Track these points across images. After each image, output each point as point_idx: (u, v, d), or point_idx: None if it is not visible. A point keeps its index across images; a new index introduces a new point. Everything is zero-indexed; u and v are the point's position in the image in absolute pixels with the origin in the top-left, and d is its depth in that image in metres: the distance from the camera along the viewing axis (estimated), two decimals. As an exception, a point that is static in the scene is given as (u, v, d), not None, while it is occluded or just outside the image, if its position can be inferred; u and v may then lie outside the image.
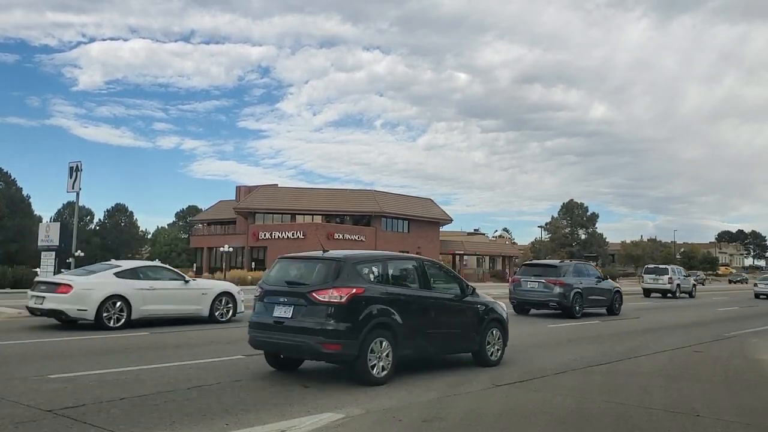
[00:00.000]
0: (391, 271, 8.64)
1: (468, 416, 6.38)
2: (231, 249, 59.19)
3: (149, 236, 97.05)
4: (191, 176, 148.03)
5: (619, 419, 6.35)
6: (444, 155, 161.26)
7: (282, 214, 66.82)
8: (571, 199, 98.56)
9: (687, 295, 34.74)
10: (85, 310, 13.08)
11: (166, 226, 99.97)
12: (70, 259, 19.08)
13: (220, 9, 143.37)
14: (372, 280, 8.23)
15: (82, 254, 50.44)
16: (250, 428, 5.65)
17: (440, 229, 77.44)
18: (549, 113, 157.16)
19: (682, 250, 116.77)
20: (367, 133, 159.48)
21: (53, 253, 17.78)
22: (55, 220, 62.32)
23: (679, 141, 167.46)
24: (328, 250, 8.51)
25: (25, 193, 75.21)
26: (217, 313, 15.11)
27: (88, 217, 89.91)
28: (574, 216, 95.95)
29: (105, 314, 13.18)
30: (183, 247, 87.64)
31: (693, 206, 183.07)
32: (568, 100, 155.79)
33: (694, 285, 37.53)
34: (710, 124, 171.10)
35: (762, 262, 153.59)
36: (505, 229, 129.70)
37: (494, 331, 9.63)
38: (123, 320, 13.39)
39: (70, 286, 13.21)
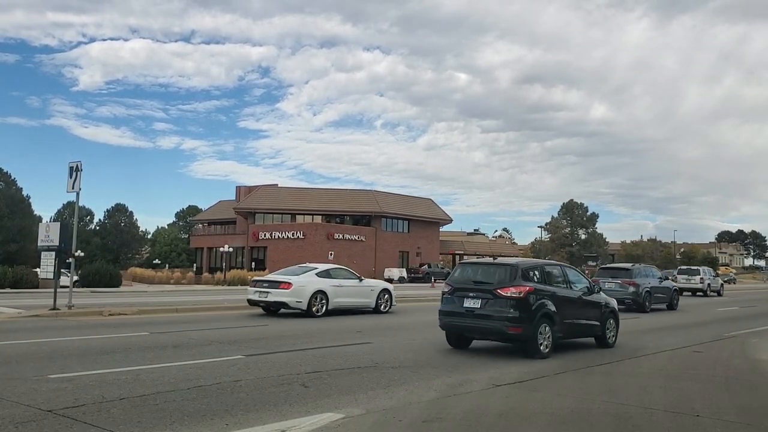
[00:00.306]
0: (547, 274, 11.13)
1: (468, 416, 6.38)
2: (231, 249, 59.20)
3: (149, 236, 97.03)
4: (191, 176, 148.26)
5: (619, 419, 6.35)
6: (444, 155, 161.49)
7: (282, 214, 66.81)
8: (571, 199, 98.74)
9: (716, 294, 37.56)
10: (301, 302, 16.89)
11: (166, 226, 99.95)
12: (70, 260, 19.06)
13: (220, 9, 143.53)
14: (536, 280, 10.67)
15: (83, 254, 50.51)
16: (250, 428, 5.65)
17: (440, 229, 77.44)
18: (549, 113, 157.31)
19: (682, 250, 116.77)
20: (367, 133, 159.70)
21: (53, 253, 17.73)
22: (55, 220, 62.25)
23: (679, 141, 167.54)
24: (496, 257, 10.81)
25: (25, 193, 75.29)
26: (381, 306, 19.06)
27: (88, 217, 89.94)
28: (574, 216, 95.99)
29: (313, 305, 16.97)
30: (183, 247, 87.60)
31: (693, 206, 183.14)
32: (569, 101, 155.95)
33: (722, 284, 41.00)
34: (710, 124, 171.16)
35: (762, 263, 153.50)
36: (505, 229, 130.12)
37: (611, 321, 12.28)
38: (324, 310, 17.21)
39: (290, 284, 17.05)
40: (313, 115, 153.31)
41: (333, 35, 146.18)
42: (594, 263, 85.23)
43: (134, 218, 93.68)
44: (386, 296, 19.32)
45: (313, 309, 16.95)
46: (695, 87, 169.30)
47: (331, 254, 57.72)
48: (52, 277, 18.43)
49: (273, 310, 17.64)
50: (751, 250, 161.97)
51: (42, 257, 18.75)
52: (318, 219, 66.12)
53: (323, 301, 17.21)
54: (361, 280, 19.01)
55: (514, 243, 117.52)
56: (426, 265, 65.23)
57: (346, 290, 18.23)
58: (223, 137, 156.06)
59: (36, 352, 10.05)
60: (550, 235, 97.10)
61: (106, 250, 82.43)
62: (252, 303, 17.83)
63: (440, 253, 76.49)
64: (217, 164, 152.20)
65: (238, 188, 72.40)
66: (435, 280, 51.19)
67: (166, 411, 6.18)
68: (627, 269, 23.66)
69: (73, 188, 17.67)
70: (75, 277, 25.73)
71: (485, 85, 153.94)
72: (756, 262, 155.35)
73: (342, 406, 6.55)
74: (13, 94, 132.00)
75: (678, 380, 8.87)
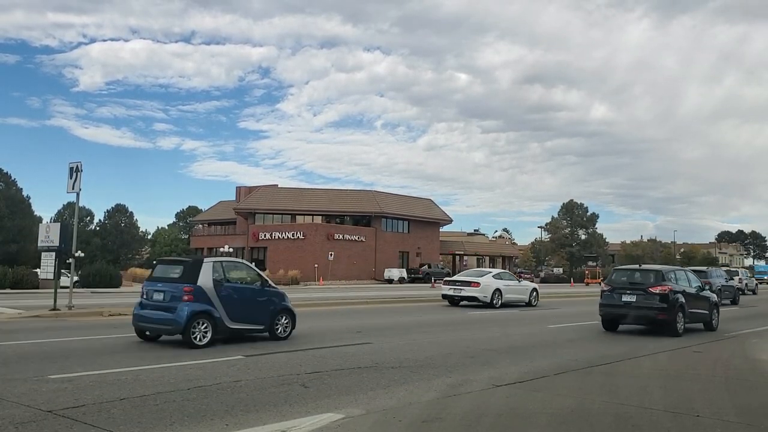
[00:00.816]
0: (677, 277, 15.18)
1: (468, 416, 6.38)
2: (231, 249, 59.20)
3: (149, 237, 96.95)
4: (191, 177, 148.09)
5: (620, 419, 6.35)
6: (444, 156, 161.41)
7: (282, 214, 66.81)
8: (571, 200, 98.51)
9: (751, 292, 42.09)
10: (486, 297, 22.82)
11: (167, 227, 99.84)
12: (70, 260, 19.06)
13: (220, 10, 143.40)
14: (673, 281, 14.75)
15: (83, 255, 50.44)
16: (250, 428, 5.65)
17: (440, 230, 77.43)
18: (549, 114, 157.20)
19: (682, 250, 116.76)
20: (367, 133, 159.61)
21: (53, 253, 17.74)
22: (55, 221, 62.25)
23: (679, 141, 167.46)
24: (642, 264, 16.74)
25: (25, 193, 75.12)
26: (533, 301, 24.77)
27: (88, 218, 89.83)
28: (574, 216, 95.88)
29: (494, 300, 22.93)
30: (183, 247, 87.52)
31: (693, 206, 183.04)
32: (569, 101, 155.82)
33: (757, 284, 46.74)
34: (710, 124, 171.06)
35: (762, 263, 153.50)
36: (505, 230, 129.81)
37: (715, 311, 16.22)
38: (499, 303, 23.04)
39: (478, 283, 23.11)
40: (313, 116, 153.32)
41: (333, 35, 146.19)
42: (594, 263, 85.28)
43: (134, 219, 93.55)
44: (534, 293, 25.12)
45: (494, 302, 22.87)
46: (695, 87, 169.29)
47: (330, 255, 57.69)
48: (52, 278, 18.45)
49: (456, 302, 23.79)
50: (751, 251, 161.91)
51: (42, 258, 18.76)
52: (318, 219, 66.13)
53: (499, 297, 23.16)
54: (519, 281, 26.15)
55: (514, 243, 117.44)
56: (426, 266, 65.23)
57: (512, 289, 24.29)
58: (223, 138, 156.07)
59: (36, 353, 10.05)
60: (550, 236, 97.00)
61: (106, 250, 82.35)
62: (446, 297, 24.25)
63: (440, 254, 76.47)
64: (217, 165, 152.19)
65: (238, 189, 72.41)
66: (435, 280, 51.16)
67: (166, 411, 6.18)
68: (703, 271, 27.77)
69: (73, 189, 17.67)
70: (75, 278, 25.72)
71: (485, 86, 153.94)
72: (756, 263, 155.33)
73: (342, 406, 6.55)
74: (14, 95, 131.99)
75: (678, 380, 8.87)
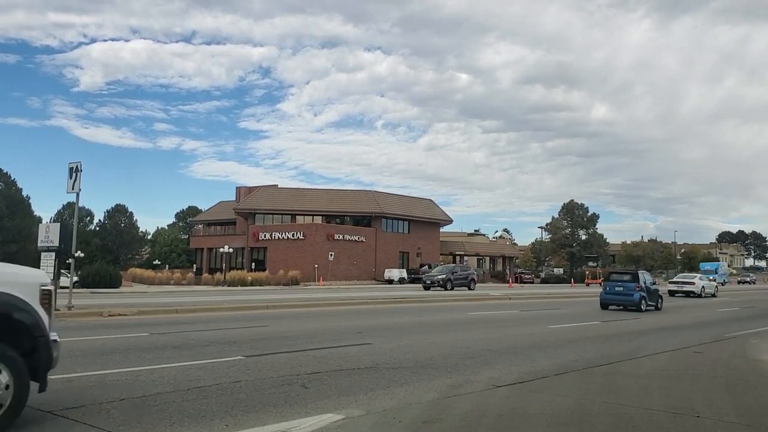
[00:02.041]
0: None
1: (468, 417, 6.38)
2: (231, 250, 59.19)
3: (149, 237, 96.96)
4: (191, 177, 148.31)
5: (620, 420, 6.34)
6: (445, 156, 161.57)
7: (282, 214, 66.81)
8: (572, 200, 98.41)
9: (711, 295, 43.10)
10: (699, 293, 38.11)
11: (166, 227, 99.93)
12: (70, 260, 19.05)
13: (221, 10, 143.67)
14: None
15: (82, 255, 50.46)
16: (250, 429, 5.64)
17: (440, 230, 77.43)
18: (550, 114, 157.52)
19: (682, 250, 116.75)
20: (367, 133, 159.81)
21: (53, 254, 17.73)
22: (55, 221, 62.26)
23: (679, 142, 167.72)
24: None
25: (25, 193, 75.16)
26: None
27: (88, 218, 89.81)
28: (575, 216, 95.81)
29: (701, 294, 37.68)
30: (183, 247, 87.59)
31: (693, 207, 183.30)
32: (570, 101, 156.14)
33: (718, 286, 47.80)
34: (711, 124, 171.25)
35: (762, 263, 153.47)
36: (506, 230, 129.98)
37: (660, 300, 25.02)
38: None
39: (694, 282, 39.48)
40: (313, 116, 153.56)
41: (334, 36, 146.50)
42: (594, 264, 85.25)
43: (134, 219, 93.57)
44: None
45: (702, 296, 35.87)
46: (696, 87, 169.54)
47: (331, 255, 57.69)
48: (51, 278, 18.40)
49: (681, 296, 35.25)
50: (752, 251, 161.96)
51: (42, 258, 18.74)
52: (318, 219, 66.13)
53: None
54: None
55: (515, 243, 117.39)
56: (426, 266, 65.22)
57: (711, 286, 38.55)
58: (223, 138, 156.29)
59: (36, 353, 10.03)
60: (550, 236, 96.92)
61: (106, 250, 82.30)
62: (672, 293, 37.73)
63: (440, 254, 76.45)
64: (217, 165, 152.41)
65: (238, 189, 72.41)
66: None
67: (166, 412, 6.17)
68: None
69: (73, 189, 17.67)
70: (75, 278, 25.72)
71: (486, 86, 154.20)
72: (756, 263, 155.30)
73: (342, 406, 6.54)
74: (14, 95, 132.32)
75: (678, 381, 8.86)
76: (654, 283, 26.42)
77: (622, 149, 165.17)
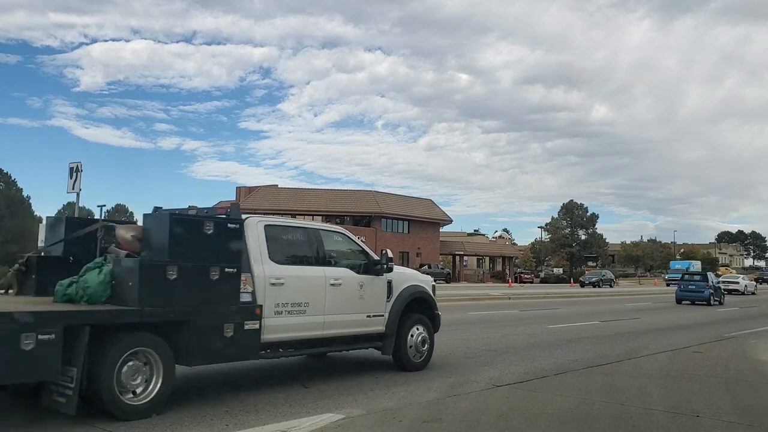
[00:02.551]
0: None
1: (468, 417, 6.38)
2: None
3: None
4: (192, 177, 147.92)
5: (620, 420, 6.35)
6: (445, 156, 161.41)
7: (282, 214, 66.77)
8: (571, 200, 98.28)
9: None
10: (744, 291, 45.29)
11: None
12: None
13: (222, 10, 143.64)
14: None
15: (82, 255, 50.35)
16: (250, 429, 5.64)
17: (440, 230, 77.40)
18: (550, 114, 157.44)
19: (681, 250, 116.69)
20: (368, 133, 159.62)
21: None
22: (55, 221, 61.98)
23: (679, 142, 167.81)
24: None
25: (25, 193, 75.07)
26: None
27: (88, 218, 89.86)
28: (574, 217, 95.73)
29: (746, 293, 44.26)
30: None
31: (693, 207, 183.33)
32: (570, 101, 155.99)
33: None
34: (711, 125, 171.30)
35: (762, 263, 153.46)
36: (505, 230, 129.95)
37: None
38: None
39: (738, 282, 47.32)
40: (314, 116, 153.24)
41: (334, 36, 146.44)
42: (594, 264, 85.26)
43: (134, 219, 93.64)
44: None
45: (745, 293, 38.71)
46: (696, 88, 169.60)
47: (331, 255, 57.65)
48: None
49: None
50: (751, 251, 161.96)
51: (42, 258, 18.71)
52: (318, 219, 66.09)
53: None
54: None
55: (515, 243, 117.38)
56: (426, 266, 65.19)
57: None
58: (223, 138, 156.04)
59: (36, 353, 10.03)
60: (550, 236, 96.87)
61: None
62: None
63: (440, 254, 76.43)
64: (217, 165, 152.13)
65: (239, 189, 72.39)
66: (435, 280, 51.18)
67: (165, 411, 6.17)
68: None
69: (73, 189, 17.62)
70: (75, 278, 25.67)
71: (486, 86, 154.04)
72: (756, 263, 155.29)
73: (342, 406, 6.54)
74: (14, 95, 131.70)
75: (678, 381, 8.86)
76: (718, 283, 33.26)
77: (622, 149, 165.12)
